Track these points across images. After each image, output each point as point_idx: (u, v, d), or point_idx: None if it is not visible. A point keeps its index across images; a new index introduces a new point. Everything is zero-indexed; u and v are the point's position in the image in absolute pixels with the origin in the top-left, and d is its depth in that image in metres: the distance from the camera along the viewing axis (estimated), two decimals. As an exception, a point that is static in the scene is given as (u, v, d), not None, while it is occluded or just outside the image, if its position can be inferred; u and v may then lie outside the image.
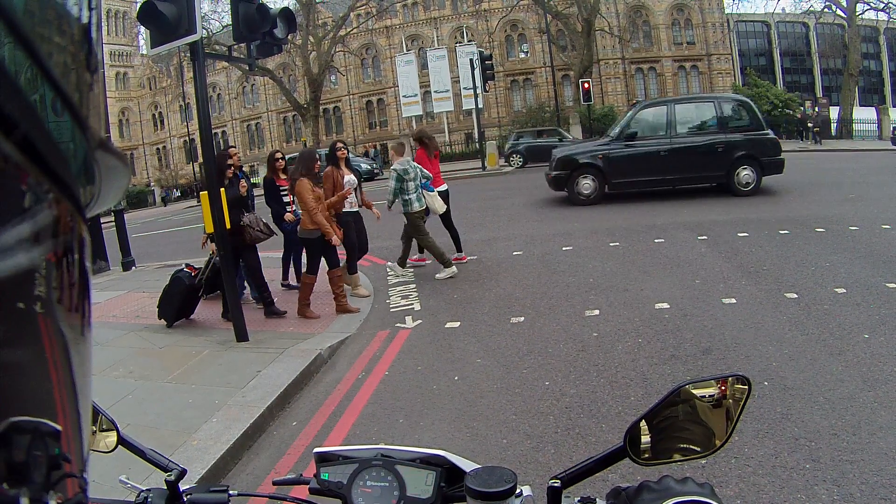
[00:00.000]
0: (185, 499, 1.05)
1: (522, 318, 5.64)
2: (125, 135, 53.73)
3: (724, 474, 2.95)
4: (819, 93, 41.77)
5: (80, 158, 0.37)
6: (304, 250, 6.40)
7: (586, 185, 11.79)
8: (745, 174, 11.25)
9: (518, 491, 0.90)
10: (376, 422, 3.98)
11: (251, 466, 3.65)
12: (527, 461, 3.28)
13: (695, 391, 0.89)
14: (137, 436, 1.12)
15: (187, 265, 6.54)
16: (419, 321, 5.93)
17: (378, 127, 46.96)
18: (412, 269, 7.97)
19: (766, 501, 2.74)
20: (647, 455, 0.90)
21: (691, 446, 0.91)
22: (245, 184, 6.48)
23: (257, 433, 3.99)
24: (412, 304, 6.53)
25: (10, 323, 0.30)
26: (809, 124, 27.12)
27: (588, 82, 27.10)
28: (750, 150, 11.19)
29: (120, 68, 52.77)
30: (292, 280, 7.69)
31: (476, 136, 29.00)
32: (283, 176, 7.15)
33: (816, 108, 29.23)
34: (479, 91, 23.95)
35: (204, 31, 6.42)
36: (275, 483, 1.18)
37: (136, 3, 38.31)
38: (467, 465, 1.00)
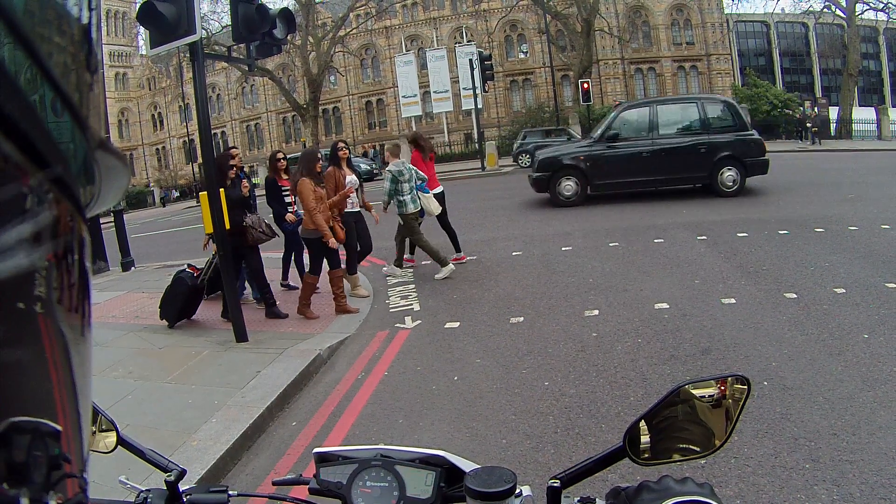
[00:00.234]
0: (185, 499, 1.05)
1: (522, 319, 5.64)
2: (124, 135, 53.69)
3: (723, 474, 2.95)
4: (818, 93, 41.78)
5: (80, 158, 0.37)
6: (307, 250, 6.40)
7: (568, 186, 11.82)
8: (729, 175, 11.26)
9: (518, 491, 0.90)
10: (376, 422, 3.98)
11: (251, 467, 3.65)
12: (526, 461, 3.28)
13: (694, 391, 0.89)
14: (137, 436, 1.12)
15: (189, 265, 6.53)
16: (419, 321, 5.93)
17: (377, 127, 46.95)
18: (411, 270, 7.97)
19: (766, 501, 2.74)
20: (646, 455, 0.90)
21: (691, 446, 0.91)
22: (247, 184, 6.47)
23: (257, 433, 3.99)
24: (412, 304, 6.53)
25: (10, 323, 0.30)
26: (808, 124, 27.13)
27: (587, 82, 27.08)
28: (733, 150, 11.20)
29: (119, 69, 52.74)
30: (292, 280, 7.69)
31: (475, 136, 28.99)
32: (284, 176, 7.15)
33: (816, 109, 29.22)
34: (478, 91, 23.94)
35: (203, 31, 6.43)
36: (274, 483, 1.18)
37: (136, 3, 38.31)
38: (467, 466, 1.00)
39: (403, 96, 37.77)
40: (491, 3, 43.96)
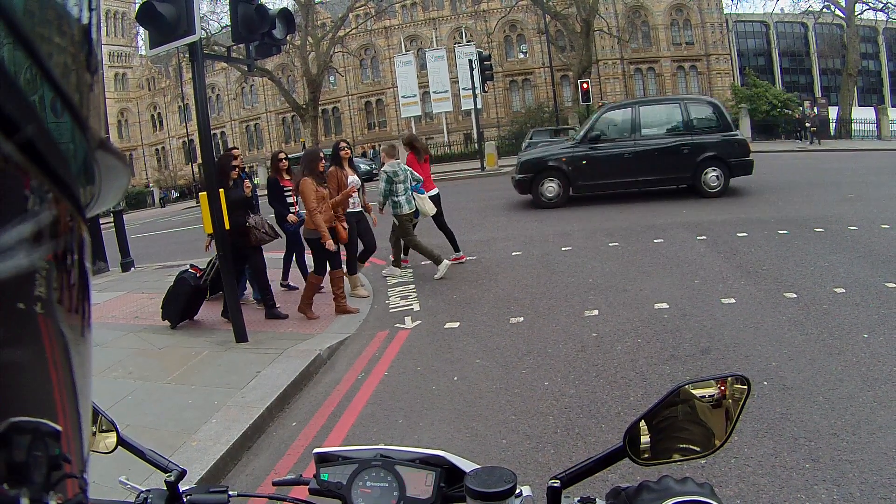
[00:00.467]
0: (185, 499, 1.05)
1: (522, 319, 5.64)
2: (124, 135, 53.67)
3: (723, 474, 2.95)
4: (818, 93, 41.77)
5: (80, 158, 0.37)
6: (309, 251, 6.38)
7: (550, 188, 11.85)
8: (712, 175, 11.27)
9: (518, 491, 0.90)
10: (376, 422, 3.98)
11: (251, 467, 3.65)
12: (526, 461, 3.28)
13: (694, 391, 0.89)
14: (137, 436, 1.12)
15: (192, 266, 6.51)
16: (418, 322, 5.93)
17: (377, 128, 46.95)
18: (411, 270, 7.97)
19: (766, 501, 2.74)
20: (646, 455, 0.90)
21: (691, 446, 0.91)
22: (249, 184, 6.46)
23: (257, 434, 3.99)
24: (411, 304, 6.53)
25: (10, 323, 0.30)
26: (807, 124, 27.15)
27: (587, 83, 27.07)
28: (717, 151, 11.20)
29: (119, 69, 52.73)
30: (292, 281, 7.68)
31: (475, 136, 28.99)
32: (286, 176, 7.12)
33: (816, 109, 29.23)
34: (477, 91, 23.94)
35: (203, 31, 6.41)
36: (274, 483, 1.18)
37: (135, 3, 38.30)
38: (467, 466, 1.00)
39: (403, 96, 37.74)
40: (490, 4, 43.96)
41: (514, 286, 6.77)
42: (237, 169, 6.40)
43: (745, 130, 30.28)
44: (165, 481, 1.03)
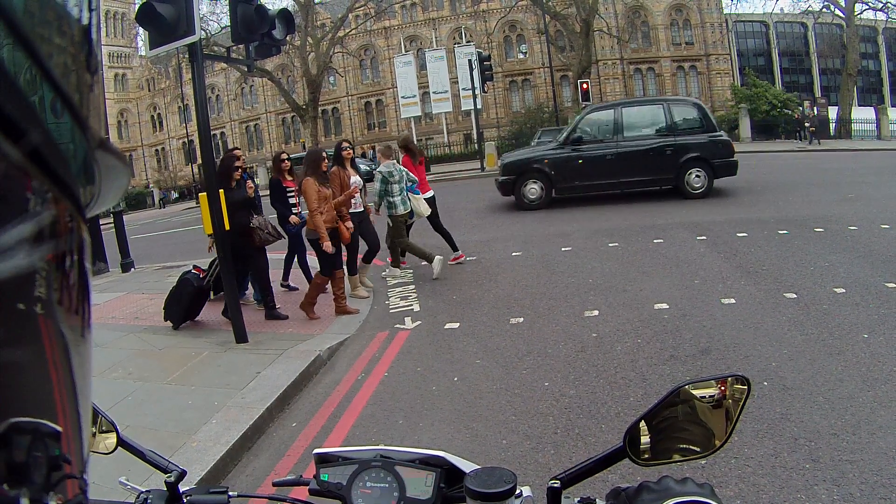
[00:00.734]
0: (185, 500, 1.05)
1: (522, 319, 5.64)
2: (124, 136, 53.66)
3: (723, 474, 2.95)
4: (818, 93, 41.76)
5: (80, 159, 0.37)
6: (314, 252, 6.36)
7: (532, 190, 11.90)
8: (696, 177, 11.29)
9: (518, 491, 0.90)
10: (376, 423, 3.98)
11: (251, 468, 3.64)
12: (526, 462, 3.28)
13: (694, 391, 0.89)
14: (137, 437, 1.12)
15: (195, 267, 6.49)
16: (418, 322, 5.93)
17: (377, 128, 46.94)
18: (411, 271, 7.97)
19: (766, 501, 2.74)
20: (646, 455, 0.90)
21: (691, 447, 0.91)
22: (252, 185, 6.45)
23: (257, 434, 3.99)
24: (411, 305, 6.53)
25: (10, 324, 0.30)
26: (806, 124, 27.17)
27: (587, 83, 27.06)
28: (700, 152, 11.21)
29: (118, 70, 52.72)
30: (293, 282, 7.67)
31: (475, 136, 28.99)
32: (289, 177, 7.10)
33: (815, 109, 29.25)
34: (477, 92, 23.95)
35: (202, 32, 6.41)
36: (274, 484, 1.18)
37: (135, 4, 38.32)
38: (467, 466, 1.00)
39: (403, 97, 37.73)
40: (490, 4, 43.96)
41: (515, 286, 6.77)
42: (240, 170, 6.38)
43: (744, 130, 30.39)
44: (165, 482, 1.03)
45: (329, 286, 6.42)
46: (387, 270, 7.94)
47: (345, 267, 6.67)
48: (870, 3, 31.54)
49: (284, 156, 7.25)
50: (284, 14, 5.97)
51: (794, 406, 3.54)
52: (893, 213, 8.51)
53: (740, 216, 9.31)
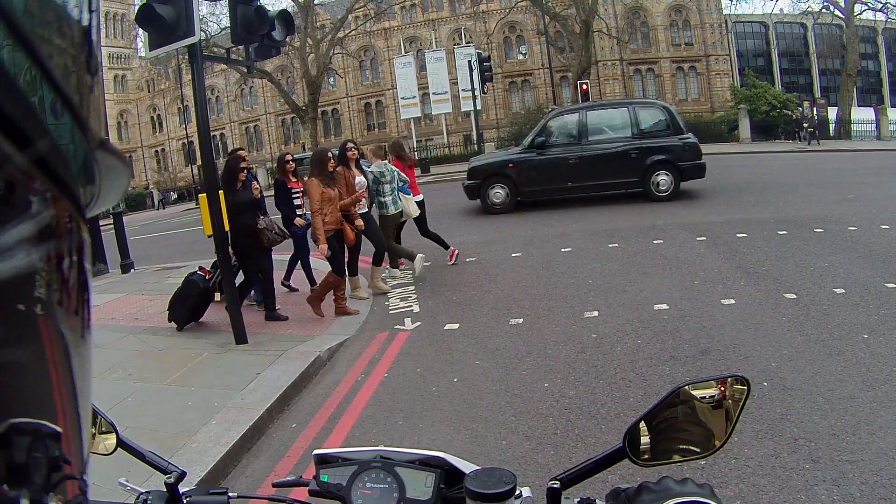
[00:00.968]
0: (185, 501, 1.05)
1: (521, 320, 5.64)
2: (123, 137, 53.68)
3: (723, 475, 2.95)
4: (817, 93, 41.79)
5: (81, 159, 0.38)
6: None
7: (497, 193, 11.96)
8: (662, 179, 11.30)
9: (517, 492, 0.90)
10: (375, 423, 3.98)
11: (250, 469, 3.64)
12: (526, 462, 3.28)
13: (694, 392, 0.89)
14: (137, 438, 1.12)
15: (200, 268, 6.47)
16: (418, 323, 5.93)
17: (377, 129, 46.96)
18: (411, 272, 7.97)
19: (766, 502, 2.74)
20: (646, 456, 0.90)
21: (691, 447, 0.91)
22: (258, 186, 6.43)
23: (256, 435, 3.99)
24: (411, 306, 6.53)
25: (10, 324, 0.30)
26: (805, 125, 27.19)
27: (586, 84, 27.09)
28: (667, 155, 11.22)
29: (118, 71, 52.75)
30: (294, 283, 7.65)
31: (475, 137, 29.00)
32: (293, 178, 7.07)
33: (815, 110, 29.26)
34: (477, 93, 24.00)
35: (202, 33, 6.41)
36: (274, 485, 1.18)
37: (135, 5, 38.30)
38: (467, 467, 1.00)
39: (402, 98, 37.75)
40: (490, 5, 43.98)
41: (514, 287, 6.77)
42: (245, 171, 6.36)
43: (744, 131, 30.39)
44: (165, 483, 1.03)
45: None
46: (385, 272, 7.93)
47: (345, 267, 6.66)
48: (869, 4, 31.58)
49: (289, 157, 7.19)
50: (284, 15, 5.97)
51: (794, 406, 3.54)
52: (893, 213, 8.51)
53: (740, 217, 9.31)
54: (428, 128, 42.82)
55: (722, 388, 0.89)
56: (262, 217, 6.14)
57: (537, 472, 3.12)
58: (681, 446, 0.91)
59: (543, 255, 8.11)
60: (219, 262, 5.73)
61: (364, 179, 6.86)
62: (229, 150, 9.67)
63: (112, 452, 1.06)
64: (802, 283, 5.83)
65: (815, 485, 2.80)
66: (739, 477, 2.93)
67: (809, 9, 33.23)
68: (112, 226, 10.88)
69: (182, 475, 1.05)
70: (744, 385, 0.89)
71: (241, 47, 6.15)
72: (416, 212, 7.68)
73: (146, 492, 1.04)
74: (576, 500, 0.93)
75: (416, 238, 8.27)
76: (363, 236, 6.96)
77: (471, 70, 24.04)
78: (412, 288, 7.25)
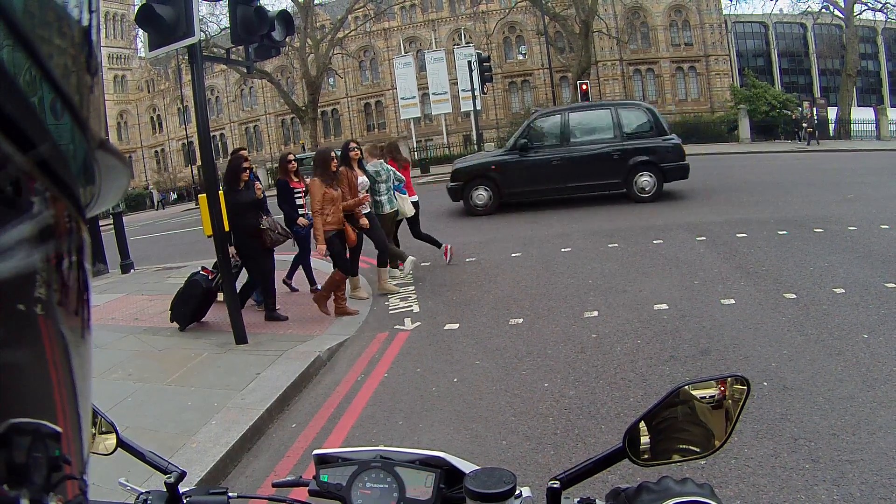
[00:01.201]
0: (185, 501, 1.05)
1: (521, 320, 5.64)
2: (123, 137, 53.67)
3: (723, 475, 2.95)
4: (817, 93, 41.76)
5: (80, 159, 0.38)
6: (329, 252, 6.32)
7: (480, 195, 11.98)
8: (644, 180, 11.32)
9: (517, 492, 0.90)
10: (375, 423, 3.98)
11: (250, 469, 3.64)
12: (526, 462, 3.28)
13: (694, 392, 0.89)
14: (137, 438, 1.12)
15: (203, 268, 6.46)
16: (418, 323, 5.93)
17: (376, 129, 46.95)
18: (411, 272, 7.96)
19: (766, 502, 2.74)
20: (646, 456, 0.90)
21: (691, 447, 0.91)
22: (260, 186, 6.43)
23: (256, 435, 3.98)
24: (411, 306, 6.53)
25: (10, 324, 0.30)
26: (804, 125, 27.20)
27: (586, 84, 27.05)
28: (649, 156, 11.23)
29: (118, 71, 52.74)
30: (295, 283, 7.64)
31: (474, 137, 29.00)
32: (295, 178, 7.07)
33: (814, 110, 29.26)
34: (477, 93, 24.00)
35: (202, 33, 6.41)
36: (274, 485, 1.18)
37: (135, 5, 38.33)
38: (466, 467, 1.00)
39: (402, 98, 37.75)
40: (489, 5, 43.98)
41: (514, 287, 6.77)
42: (248, 170, 6.36)
43: (744, 131, 30.41)
44: (165, 483, 1.03)
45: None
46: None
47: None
48: (869, 4, 31.61)
49: (291, 157, 7.18)
50: (284, 15, 5.97)
51: (794, 406, 3.54)
52: (893, 213, 8.51)
53: (740, 217, 9.31)
54: (428, 128, 42.81)
55: (722, 388, 0.89)
56: (264, 217, 6.14)
57: (537, 472, 3.11)
58: (681, 446, 0.91)
59: (543, 255, 8.11)
60: (218, 262, 5.73)
61: (366, 179, 6.86)
62: (230, 151, 9.66)
63: (112, 452, 1.06)
64: (802, 283, 5.83)
65: (815, 485, 2.80)
66: (739, 477, 2.93)
67: (809, 9, 33.27)
68: (112, 226, 10.87)
69: (182, 475, 1.05)
70: (744, 385, 0.89)
71: (240, 48, 6.15)
72: (411, 211, 7.69)
73: (146, 492, 1.04)
74: (576, 499, 0.93)
75: (409, 240, 8.26)
76: (365, 236, 6.96)
77: (470, 70, 24.04)
78: (412, 288, 7.25)
